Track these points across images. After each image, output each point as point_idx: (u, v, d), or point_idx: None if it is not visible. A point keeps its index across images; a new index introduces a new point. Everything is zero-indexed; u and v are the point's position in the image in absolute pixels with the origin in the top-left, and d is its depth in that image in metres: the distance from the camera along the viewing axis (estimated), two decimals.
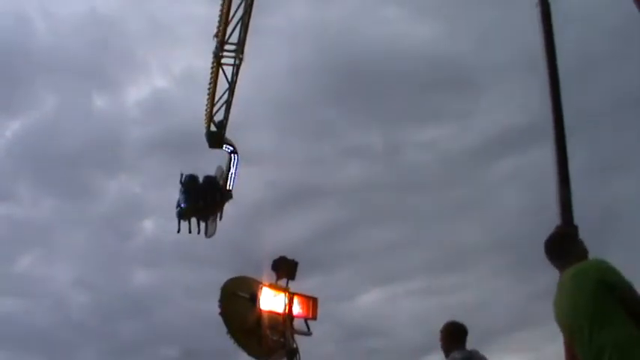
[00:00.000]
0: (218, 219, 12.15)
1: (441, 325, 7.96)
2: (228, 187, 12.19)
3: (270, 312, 9.52)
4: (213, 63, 11.97)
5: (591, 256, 5.44)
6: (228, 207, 12.32)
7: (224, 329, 9.43)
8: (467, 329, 7.91)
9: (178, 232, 12.12)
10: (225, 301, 9.55)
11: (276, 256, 9.93)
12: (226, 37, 11.93)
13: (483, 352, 7.82)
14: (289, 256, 10.01)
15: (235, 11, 11.70)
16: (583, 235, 5.83)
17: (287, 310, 9.56)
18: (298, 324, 9.79)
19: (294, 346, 9.38)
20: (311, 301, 9.84)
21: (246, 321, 9.48)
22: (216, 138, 12.36)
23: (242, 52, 11.81)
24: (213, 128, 12.36)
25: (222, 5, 11.75)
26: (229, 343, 9.44)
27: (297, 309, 9.70)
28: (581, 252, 5.49)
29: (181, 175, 12.22)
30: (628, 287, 4.90)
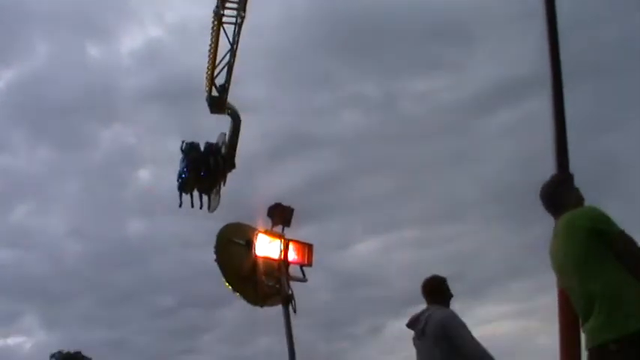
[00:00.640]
0: (221, 190, 11.64)
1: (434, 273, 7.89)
2: (230, 156, 11.64)
3: (266, 258, 9.56)
4: (213, 22, 11.38)
5: (587, 204, 5.44)
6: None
7: (220, 277, 9.44)
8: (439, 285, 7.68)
9: (180, 206, 11.61)
10: (221, 248, 9.55)
11: (271, 203, 9.96)
12: None
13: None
14: (285, 203, 10.02)
15: None
16: (579, 184, 5.81)
17: (282, 257, 9.60)
18: (294, 271, 9.85)
19: (290, 292, 9.45)
20: (306, 248, 9.90)
21: (241, 268, 9.53)
22: (218, 103, 11.78)
23: (244, 10, 11.22)
24: (214, 93, 11.74)
25: None
26: (225, 290, 9.52)
27: (292, 255, 9.75)
28: (577, 199, 5.50)
29: (182, 142, 11.69)
30: (618, 233, 4.93)
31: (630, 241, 4.91)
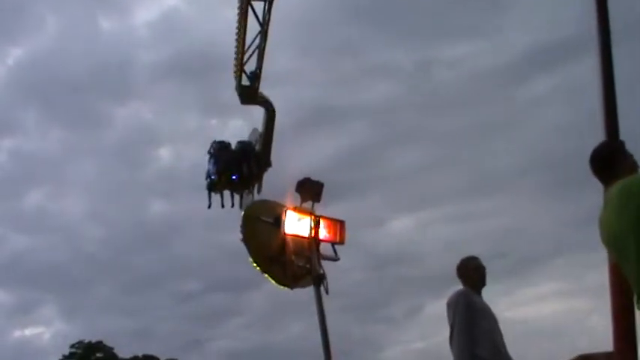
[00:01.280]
0: (256, 191, 10.66)
1: (474, 251, 7.86)
2: (265, 153, 10.61)
3: (295, 236, 9.27)
4: (240, 1, 10.35)
5: None
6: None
7: (247, 258, 9.18)
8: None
9: (209, 207, 10.60)
10: (248, 227, 9.30)
11: (300, 178, 9.59)
12: None
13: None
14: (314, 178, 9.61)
15: None
16: (631, 151, 5.29)
17: (313, 234, 9.27)
18: (325, 249, 9.51)
19: (321, 271, 9.11)
20: (338, 224, 9.53)
21: (270, 247, 9.26)
22: (250, 93, 10.64)
23: None
24: (245, 82, 10.61)
25: None
26: (252, 273, 9.28)
27: (323, 233, 9.40)
28: (630, 165, 5.03)
29: (213, 143, 10.66)
30: None
31: None
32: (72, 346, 50.95)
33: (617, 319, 6.79)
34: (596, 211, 4.98)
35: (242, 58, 10.61)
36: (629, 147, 5.38)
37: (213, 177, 10.49)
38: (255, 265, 9.18)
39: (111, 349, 51.15)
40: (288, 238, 9.23)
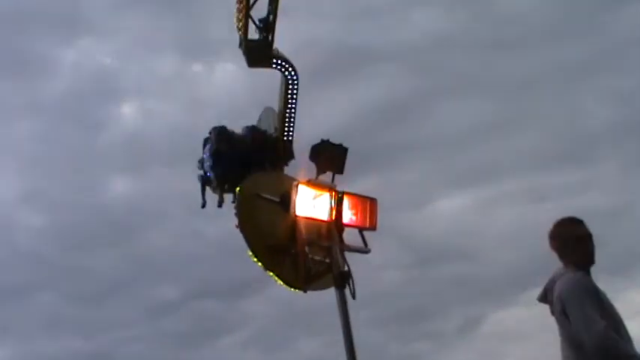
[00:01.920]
0: None
1: None
2: (284, 140, 8.70)
3: (310, 220, 7.59)
4: None
5: None
6: None
7: (244, 250, 7.67)
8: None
9: (203, 207, 8.84)
10: (245, 208, 7.81)
11: (316, 142, 8.03)
12: None
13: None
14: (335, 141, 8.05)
15: None
16: None
17: (334, 217, 7.61)
18: (350, 238, 7.79)
19: (346, 268, 7.38)
20: (368, 203, 7.86)
21: (275, 235, 7.72)
22: (261, 50, 8.43)
23: None
24: (253, 35, 8.39)
25: None
26: (252, 271, 7.84)
27: (348, 215, 7.74)
28: None
29: (212, 129, 8.77)
30: None
31: None
32: None
33: None
34: None
35: (248, 2, 8.28)
36: None
37: (209, 174, 8.66)
38: (255, 259, 7.70)
39: None
40: (300, 223, 7.59)
